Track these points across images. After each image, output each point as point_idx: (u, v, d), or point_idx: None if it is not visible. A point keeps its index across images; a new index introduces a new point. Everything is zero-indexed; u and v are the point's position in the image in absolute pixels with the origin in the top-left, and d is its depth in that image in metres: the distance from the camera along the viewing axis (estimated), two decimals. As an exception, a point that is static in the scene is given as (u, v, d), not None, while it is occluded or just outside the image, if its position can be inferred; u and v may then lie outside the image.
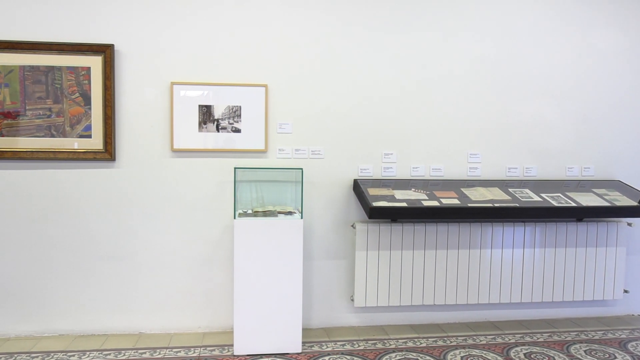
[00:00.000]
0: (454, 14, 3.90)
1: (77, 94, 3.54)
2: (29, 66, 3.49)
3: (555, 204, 3.69)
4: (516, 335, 3.75)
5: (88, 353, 3.36)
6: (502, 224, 3.89)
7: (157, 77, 3.60)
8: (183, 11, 3.63)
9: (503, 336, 3.73)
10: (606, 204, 3.72)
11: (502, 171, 4.00)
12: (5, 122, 3.49)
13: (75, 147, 3.54)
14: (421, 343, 3.59)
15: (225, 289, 3.73)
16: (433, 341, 3.63)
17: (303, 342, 3.52)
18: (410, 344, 3.56)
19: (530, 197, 3.75)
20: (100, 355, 3.34)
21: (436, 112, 3.90)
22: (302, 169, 3.62)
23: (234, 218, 3.40)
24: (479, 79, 3.94)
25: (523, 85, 4.00)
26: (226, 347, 3.48)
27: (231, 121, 3.66)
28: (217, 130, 3.65)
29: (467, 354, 3.42)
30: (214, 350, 3.44)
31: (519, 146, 4.01)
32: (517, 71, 3.99)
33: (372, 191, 3.65)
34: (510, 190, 3.84)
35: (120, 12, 3.57)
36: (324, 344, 3.56)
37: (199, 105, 3.63)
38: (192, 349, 3.46)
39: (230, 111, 3.66)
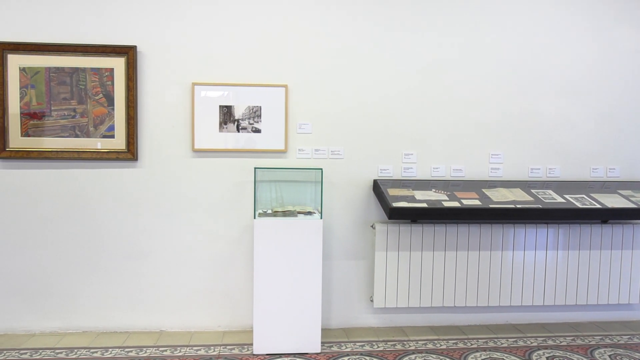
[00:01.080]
0: (475, 13, 3.86)
1: (100, 95, 3.59)
2: (55, 68, 3.56)
3: (579, 205, 3.63)
4: (538, 339, 3.69)
5: (110, 350, 3.41)
6: (524, 226, 3.84)
7: (178, 77, 3.64)
8: (204, 13, 3.66)
9: (525, 339, 3.68)
10: (632, 205, 3.64)
11: (525, 172, 3.95)
12: (32, 122, 3.57)
13: (99, 147, 3.60)
14: (441, 345, 3.56)
15: (245, 288, 3.75)
16: (453, 343, 3.59)
17: (322, 342, 3.51)
18: (430, 346, 3.53)
19: (554, 199, 3.69)
20: (122, 352, 3.39)
21: (457, 112, 3.86)
22: (321, 169, 3.62)
23: (254, 218, 3.42)
24: (501, 78, 3.89)
25: (546, 84, 3.94)
26: (245, 346, 3.50)
27: (251, 121, 3.68)
28: (238, 130, 3.67)
29: (488, 356, 3.38)
30: (233, 349, 3.46)
31: (542, 146, 3.96)
32: (540, 70, 3.93)
33: (392, 192, 3.63)
34: (532, 191, 3.79)
35: (143, 14, 3.62)
36: (343, 344, 3.55)
37: (220, 106, 3.65)
38: (212, 347, 3.48)
39: (251, 111, 3.68)
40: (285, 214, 3.49)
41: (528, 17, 3.91)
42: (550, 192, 3.79)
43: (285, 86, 3.68)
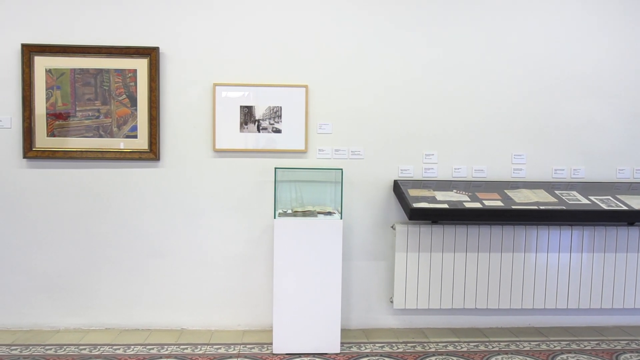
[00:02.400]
0: (498, 12, 3.81)
1: (124, 96, 3.65)
2: (79, 69, 3.62)
3: (604, 207, 3.55)
4: (562, 342, 3.63)
5: (132, 347, 3.46)
6: (548, 227, 3.78)
7: (199, 78, 3.67)
8: (225, 14, 3.68)
9: (548, 343, 3.62)
10: (660, 207, 3.56)
11: (548, 173, 3.88)
12: (57, 122, 3.64)
13: (122, 147, 3.65)
14: (462, 347, 3.52)
15: (265, 287, 3.76)
16: (474, 346, 3.55)
17: (341, 343, 3.51)
18: (450, 348, 3.50)
19: (578, 200, 3.62)
20: (143, 349, 3.43)
21: (479, 112, 3.82)
22: (342, 169, 3.61)
23: (274, 218, 3.43)
24: (524, 77, 3.84)
25: (570, 84, 3.87)
26: (265, 346, 3.51)
27: (272, 122, 3.69)
28: (258, 130, 3.69)
29: (510, 359, 3.34)
30: (253, 348, 3.48)
31: (566, 147, 3.89)
32: (564, 69, 3.86)
33: (412, 192, 3.61)
34: (556, 192, 3.72)
35: (165, 16, 3.66)
36: (362, 345, 3.54)
37: (241, 106, 3.67)
38: (232, 346, 3.51)
39: (271, 112, 3.69)
40: (305, 214, 3.49)
41: (553, 14, 3.85)
42: (575, 193, 3.72)
43: (306, 86, 3.68)
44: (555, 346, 3.57)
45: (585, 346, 3.59)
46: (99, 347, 3.46)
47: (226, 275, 3.77)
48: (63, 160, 3.67)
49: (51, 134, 3.63)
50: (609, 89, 3.90)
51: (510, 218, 3.47)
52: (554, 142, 3.88)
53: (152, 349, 3.44)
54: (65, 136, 3.64)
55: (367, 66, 3.74)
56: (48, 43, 3.60)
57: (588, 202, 3.61)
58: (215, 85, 3.66)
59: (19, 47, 3.59)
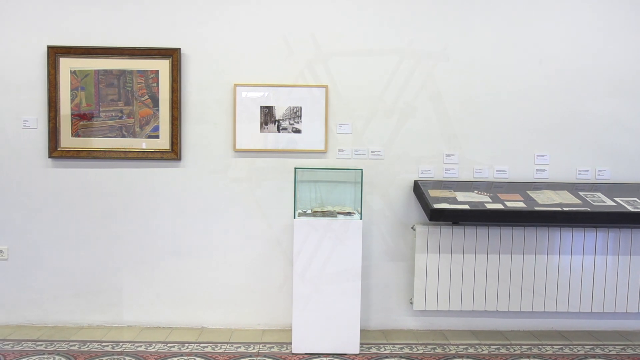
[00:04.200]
0: (522, 10, 3.76)
1: (146, 96, 3.69)
2: (103, 70, 3.68)
3: (630, 209, 3.48)
4: (586, 347, 3.56)
5: (154, 344, 3.50)
6: (572, 229, 3.71)
7: (220, 78, 3.70)
8: (245, 15, 3.70)
9: (571, 347, 3.56)
10: (689, 209, 3.47)
11: (572, 173, 3.82)
12: (81, 123, 3.70)
13: (144, 147, 3.70)
14: (483, 350, 3.48)
15: (285, 287, 3.77)
16: (495, 349, 3.51)
17: (361, 344, 3.50)
18: (471, 350, 3.47)
19: (603, 202, 3.55)
20: (164, 347, 3.47)
21: (501, 112, 3.77)
22: (361, 169, 3.60)
23: (294, 218, 3.43)
24: (547, 76, 3.78)
25: (596, 84, 3.80)
26: (284, 345, 3.52)
27: (292, 122, 3.70)
28: (278, 130, 3.70)
29: (532, 363, 3.29)
30: (272, 347, 3.50)
31: (590, 147, 3.81)
32: (590, 68, 3.79)
33: (432, 193, 3.58)
34: (580, 193, 3.66)
35: (187, 17, 3.70)
36: (382, 346, 3.53)
37: (261, 107, 3.69)
38: (251, 345, 3.52)
39: (291, 112, 3.70)
40: (325, 214, 3.49)
41: (577, 13, 3.78)
42: (600, 194, 3.65)
43: (326, 87, 3.68)
44: (578, 350, 3.51)
45: (610, 351, 3.52)
46: (121, 344, 3.52)
47: (246, 274, 3.79)
48: (87, 160, 3.73)
49: (76, 134, 3.70)
50: (634, 88, 3.82)
51: (532, 219, 3.42)
52: (578, 143, 3.81)
53: (173, 346, 3.48)
54: (89, 136, 3.70)
55: (387, 67, 3.72)
56: (73, 45, 3.66)
57: (613, 203, 3.54)
58: (235, 85, 3.68)
59: (45, 49, 3.66)
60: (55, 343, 3.51)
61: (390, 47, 3.73)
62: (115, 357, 3.31)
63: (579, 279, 3.70)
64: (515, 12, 3.76)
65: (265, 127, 3.70)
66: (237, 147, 3.71)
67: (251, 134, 3.69)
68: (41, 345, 3.48)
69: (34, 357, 3.28)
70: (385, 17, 3.73)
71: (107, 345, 3.49)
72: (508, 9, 3.76)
